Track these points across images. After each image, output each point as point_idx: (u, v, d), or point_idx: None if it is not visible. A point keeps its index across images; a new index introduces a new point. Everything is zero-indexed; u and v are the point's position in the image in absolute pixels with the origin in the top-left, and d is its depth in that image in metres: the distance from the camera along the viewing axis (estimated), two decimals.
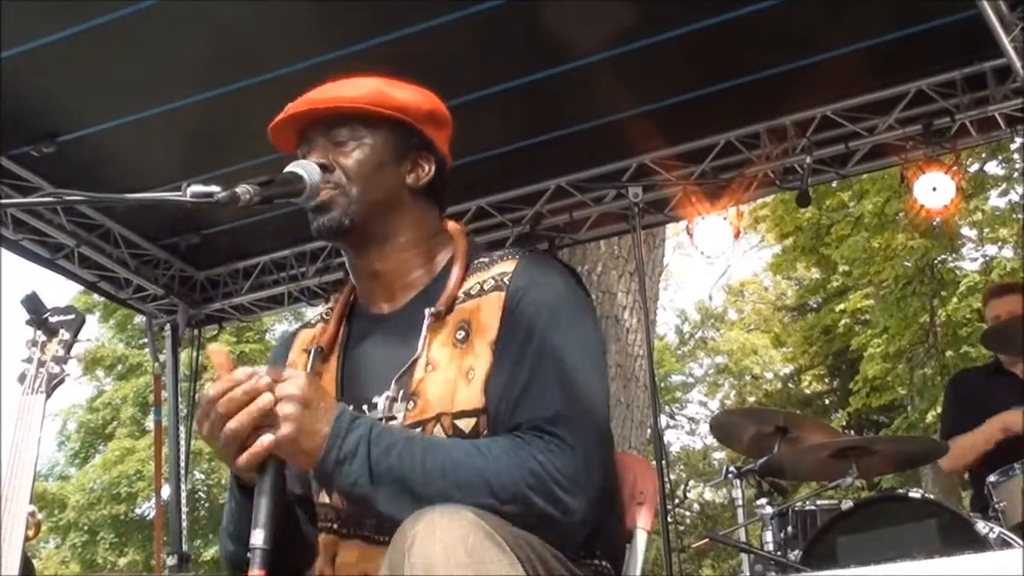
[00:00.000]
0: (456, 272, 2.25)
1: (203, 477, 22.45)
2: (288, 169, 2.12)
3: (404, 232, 2.30)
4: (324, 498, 2.21)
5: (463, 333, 2.15)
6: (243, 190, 1.94)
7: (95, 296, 12.15)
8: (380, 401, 2.16)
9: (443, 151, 2.38)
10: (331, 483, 2.01)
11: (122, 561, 22.87)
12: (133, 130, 6.17)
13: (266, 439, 1.92)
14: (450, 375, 2.11)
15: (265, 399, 1.93)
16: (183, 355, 8.18)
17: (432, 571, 1.66)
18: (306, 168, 2.12)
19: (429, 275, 2.31)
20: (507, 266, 2.22)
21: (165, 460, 7.93)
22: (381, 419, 2.12)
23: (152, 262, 7.61)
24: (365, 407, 2.17)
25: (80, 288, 13.78)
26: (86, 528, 23.24)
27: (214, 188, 1.86)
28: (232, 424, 1.92)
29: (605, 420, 2.11)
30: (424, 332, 2.17)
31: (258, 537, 1.87)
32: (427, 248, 2.33)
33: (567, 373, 2.07)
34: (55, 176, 6.44)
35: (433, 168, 2.34)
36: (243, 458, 1.94)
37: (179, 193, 1.85)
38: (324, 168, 2.20)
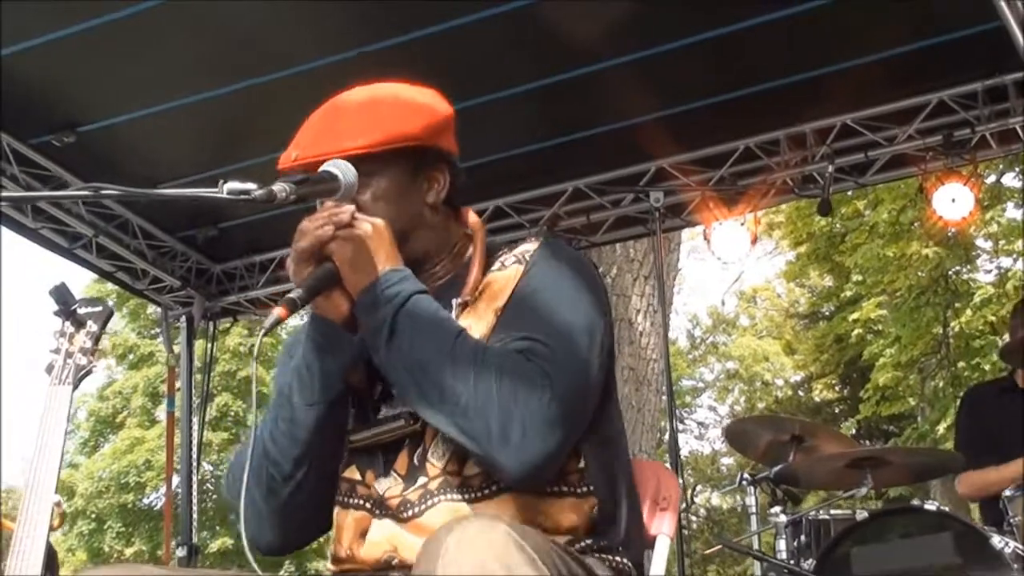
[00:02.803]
0: (477, 265, 2.28)
1: (211, 469, 22.48)
2: (323, 168, 2.12)
3: (432, 247, 2.32)
4: (355, 474, 2.23)
5: (472, 298, 2.21)
6: (279, 188, 1.94)
7: (108, 285, 12.16)
8: None
9: (452, 152, 2.37)
10: (367, 312, 2.11)
11: (129, 551, 22.92)
12: (154, 122, 6.17)
13: (342, 220, 2.10)
14: None
15: (349, 209, 2.13)
16: (196, 347, 8.19)
17: None
18: (341, 167, 2.12)
19: (452, 270, 2.33)
20: (531, 246, 2.27)
21: (176, 450, 7.95)
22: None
23: (169, 254, 7.62)
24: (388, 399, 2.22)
25: (93, 277, 13.89)
26: (93, 516, 23.32)
27: (250, 185, 1.87)
28: (312, 223, 2.11)
29: (588, 392, 2.12)
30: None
31: (296, 292, 2.05)
32: (451, 251, 2.35)
33: (557, 324, 2.11)
34: (74, 166, 6.46)
35: (447, 176, 2.34)
36: (312, 236, 2.10)
37: (216, 190, 1.85)
38: None
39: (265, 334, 2.03)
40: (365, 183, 2.20)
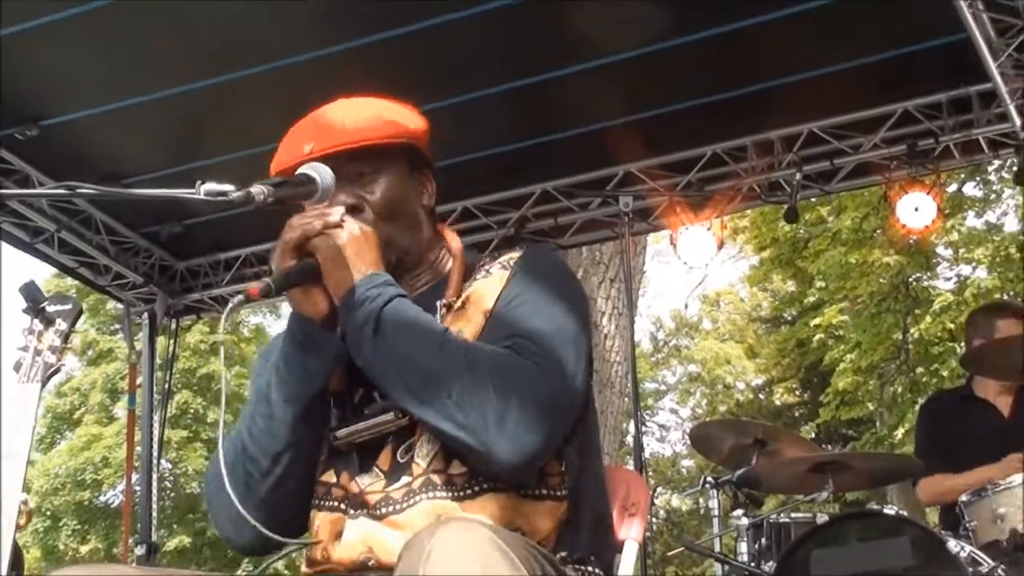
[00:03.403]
0: (457, 273, 2.31)
1: (170, 467, 22.37)
2: (301, 171, 2.14)
3: (421, 251, 2.37)
4: (331, 477, 2.23)
5: (460, 303, 2.24)
6: (257, 190, 1.96)
7: (68, 280, 12.08)
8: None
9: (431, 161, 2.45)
10: (351, 310, 2.13)
11: (84, 548, 22.76)
12: (119, 117, 6.13)
13: (331, 220, 2.14)
14: None
15: (339, 210, 2.16)
16: (158, 344, 8.14)
17: None
18: (319, 171, 2.14)
19: (433, 279, 2.36)
20: (514, 253, 2.31)
21: (136, 448, 7.90)
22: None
23: (132, 250, 7.58)
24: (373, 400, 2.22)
25: (53, 272, 13.77)
26: (49, 514, 23.11)
27: (228, 187, 1.87)
28: (301, 219, 2.14)
29: (575, 382, 2.15)
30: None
31: (271, 277, 2.08)
32: (432, 261, 2.39)
33: (545, 330, 2.14)
34: (37, 160, 6.41)
35: (433, 183, 2.42)
36: (298, 230, 2.13)
37: (193, 191, 1.85)
38: (354, 209, 2.26)
39: (231, 310, 2.07)
40: (372, 178, 2.29)
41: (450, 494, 2.09)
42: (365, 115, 2.34)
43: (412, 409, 2.09)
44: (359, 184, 2.29)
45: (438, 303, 2.24)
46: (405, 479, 2.13)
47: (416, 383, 2.06)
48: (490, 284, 2.24)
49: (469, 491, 2.09)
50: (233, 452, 2.22)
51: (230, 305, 2.07)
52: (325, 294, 2.17)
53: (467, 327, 2.18)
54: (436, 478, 2.11)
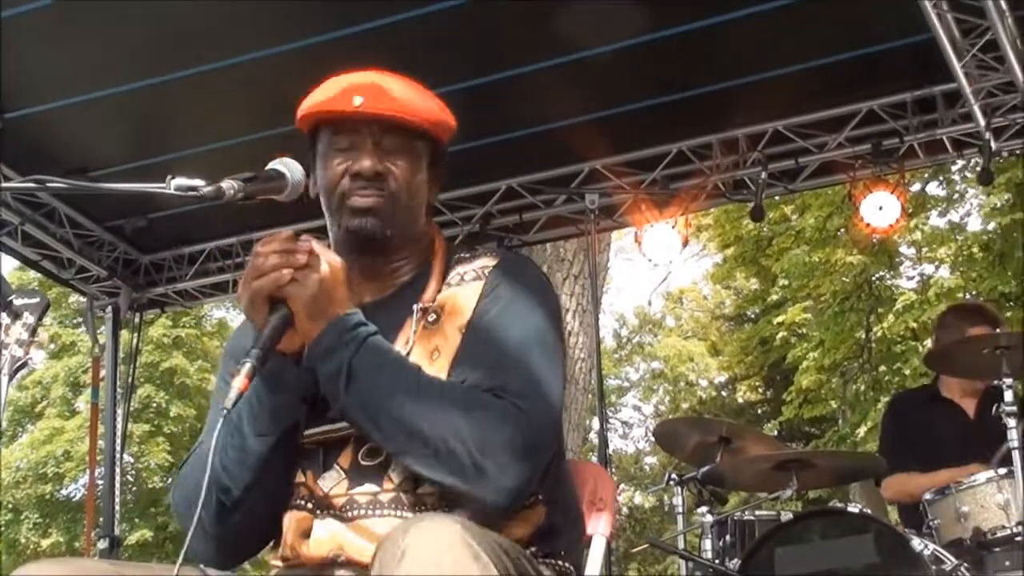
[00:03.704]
0: (437, 268, 2.31)
1: (132, 460, 22.21)
2: (271, 166, 2.14)
3: (416, 240, 2.36)
4: (300, 477, 2.23)
5: (435, 316, 2.22)
6: (228, 185, 1.96)
7: (31, 272, 11.98)
8: None
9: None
10: (322, 360, 2.10)
11: (46, 542, 22.57)
12: (84, 111, 6.10)
13: (298, 262, 2.07)
14: (416, 356, 2.18)
15: (306, 247, 2.09)
16: (121, 338, 8.09)
17: None
18: (289, 166, 2.14)
19: (415, 270, 2.35)
20: (489, 261, 2.29)
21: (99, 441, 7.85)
22: None
23: (96, 243, 7.53)
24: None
25: (16, 265, 13.65)
26: (10, 507, 22.91)
27: (198, 182, 1.87)
28: (270, 260, 2.07)
29: (557, 410, 2.16)
30: (414, 327, 2.22)
31: (253, 355, 2.01)
32: (422, 251, 2.38)
33: (524, 354, 2.13)
34: (2, 153, 6.32)
35: (440, 182, 2.43)
36: (268, 279, 2.07)
37: (163, 185, 1.84)
38: (378, 175, 2.24)
39: (231, 408, 1.99)
40: (400, 155, 2.28)
41: (418, 513, 2.08)
42: (414, 92, 2.34)
43: (392, 454, 2.09)
44: (387, 156, 2.27)
45: (415, 306, 2.23)
46: (371, 487, 2.14)
47: (392, 431, 2.05)
48: (465, 295, 2.23)
49: (438, 511, 2.08)
50: (205, 479, 2.13)
51: (231, 404, 1.97)
52: (295, 330, 2.14)
53: (443, 344, 2.17)
54: (405, 498, 2.11)
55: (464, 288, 2.25)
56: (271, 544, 2.28)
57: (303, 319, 2.10)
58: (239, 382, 1.97)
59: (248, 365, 1.99)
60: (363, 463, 2.16)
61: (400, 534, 1.75)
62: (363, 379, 2.07)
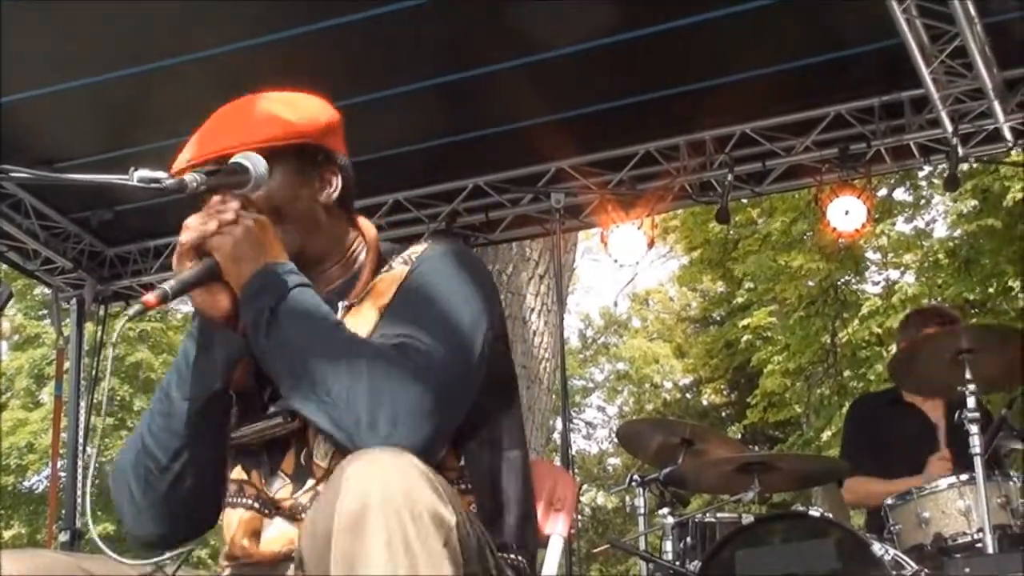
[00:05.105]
0: (368, 268, 2.29)
1: (95, 453, 22.05)
2: (234, 159, 2.12)
3: (325, 249, 2.32)
4: (242, 474, 2.22)
5: (358, 302, 2.21)
6: (191, 178, 1.97)
7: None
8: None
9: (343, 154, 2.38)
10: (248, 302, 2.08)
11: (7, 534, 22.43)
12: (51, 102, 6.06)
13: (226, 218, 2.08)
14: None
15: (233, 205, 2.11)
16: (86, 330, 8.04)
17: (366, 506, 1.68)
18: (252, 159, 2.12)
19: (343, 276, 2.33)
20: (418, 247, 2.28)
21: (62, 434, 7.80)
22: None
23: (62, 235, 7.51)
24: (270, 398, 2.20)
25: None
26: None
27: (161, 174, 1.85)
28: (196, 219, 2.09)
29: (469, 373, 2.10)
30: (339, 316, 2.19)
31: (168, 283, 2.02)
32: (345, 254, 2.35)
33: (441, 315, 2.11)
34: None
35: (339, 178, 2.34)
36: (194, 230, 2.08)
37: (126, 177, 1.82)
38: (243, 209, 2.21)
39: (128, 321, 2.03)
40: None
41: None
42: (248, 121, 2.28)
43: (296, 404, 2.05)
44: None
45: (340, 304, 2.21)
46: (310, 482, 2.13)
47: (300, 377, 2.02)
48: (390, 279, 2.22)
49: None
50: (134, 448, 2.20)
51: (125, 316, 2.02)
52: (228, 292, 2.12)
53: (362, 325, 2.14)
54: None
55: (391, 274, 2.23)
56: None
57: (230, 267, 2.08)
58: (145, 297, 1.98)
59: (161, 287, 2.00)
60: (303, 464, 2.14)
61: (349, 460, 1.76)
62: (284, 326, 2.04)
